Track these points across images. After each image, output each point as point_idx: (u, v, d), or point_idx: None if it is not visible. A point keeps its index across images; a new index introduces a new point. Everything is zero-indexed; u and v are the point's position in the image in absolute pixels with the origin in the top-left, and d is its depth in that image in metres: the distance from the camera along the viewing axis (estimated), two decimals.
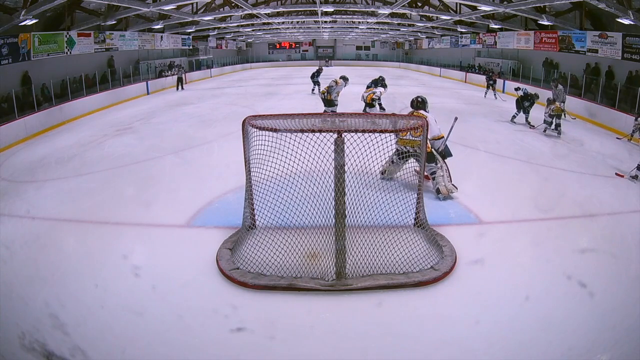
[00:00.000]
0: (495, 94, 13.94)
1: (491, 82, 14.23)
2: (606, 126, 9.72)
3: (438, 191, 4.91)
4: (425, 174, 5.23)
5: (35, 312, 2.99)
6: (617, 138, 8.71)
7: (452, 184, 4.96)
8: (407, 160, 4.84)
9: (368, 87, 10.51)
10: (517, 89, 10.25)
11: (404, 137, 4.89)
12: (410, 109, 5.39)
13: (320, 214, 3.48)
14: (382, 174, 5.05)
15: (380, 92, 9.92)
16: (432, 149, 4.93)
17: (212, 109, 11.99)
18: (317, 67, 14.80)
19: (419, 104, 5.32)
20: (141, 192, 5.54)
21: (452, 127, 5.09)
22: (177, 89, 17.09)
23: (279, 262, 3.42)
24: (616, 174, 6.07)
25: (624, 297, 3.14)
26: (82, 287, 3.30)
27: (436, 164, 4.94)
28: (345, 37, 32.26)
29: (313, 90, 14.27)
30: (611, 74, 11.55)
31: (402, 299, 3.16)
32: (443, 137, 5.09)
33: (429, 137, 4.55)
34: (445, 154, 5.11)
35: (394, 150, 4.86)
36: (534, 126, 9.20)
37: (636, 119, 8.17)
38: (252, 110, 11.34)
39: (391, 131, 3.64)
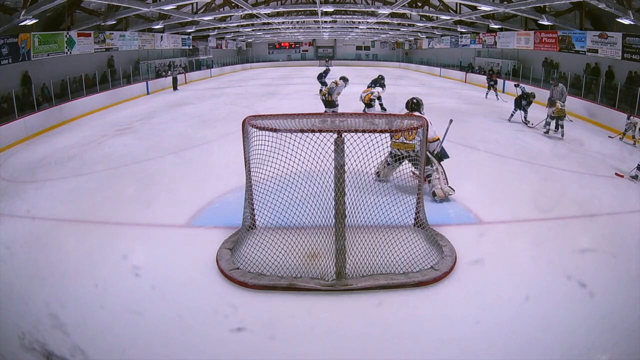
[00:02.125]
0: (497, 95, 13.92)
1: (492, 82, 14.21)
2: (606, 126, 9.72)
3: (434, 194, 4.85)
4: (417, 172, 5.20)
5: (35, 312, 2.99)
6: (610, 137, 8.73)
7: (449, 186, 4.91)
8: (401, 163, 4.75)
9: (368, 87, 10.51)
10: (516, 85, 10.27)
11: (397, 140, 4.81)
12: (406, 111, 5.34)
13: (320, 214, 3.48)
14: (377, 175, 4.95)
15: (379, 92, 9.86)
16: (428, 152, 4.84)
17: (212, 109, 11.99)
18: (325, 68, 14.85)
19: (414, 105, 5.27)
20: (141, 192, 5.55)
21: (447, 129, 5.07)
22: (174, 89, 17.14)
23: (279, 262, 3.42)
24: (616, 174, 6.08)
25: (624, 297, 3.14)
26: (82, 287, 3.30)
27: (431, 167, 4.89)
28: (345, 37, 32.26)
29: (321, 90, 14.33)
30: (611, 74, 11.55)
31: (402, 299, 3.15)
32: (439, 139, 5.04)
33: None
34: (442, 156, 5.07)
35: (388, 152, 4.81)
36: (527, 122, 9.24)
37: (628, 117, 8.21)
38: (252, 110, 11.35)
39: (391, 131, 3.65)
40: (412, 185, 4.45)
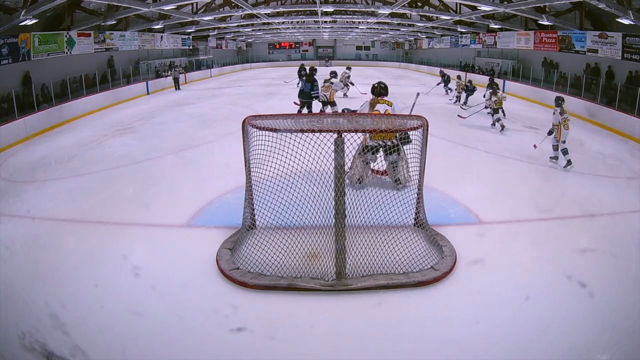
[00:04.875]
0: (447, 91, 14.19)
1: (444, 78, 14.40)
2: (606, 126, 9.73)
3: (398, 181, 4.84)
4: (380, 170, 5.23)
5: (35, 312, 2.99)
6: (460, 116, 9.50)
7: (409, 174, 4.89)
8: (377, 153, 4.77)
9: (306, 81, 8.98)
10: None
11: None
12: (372, 96, 5.29)
13: (320, 214, 3.48)
14: (359, 181, 4.88)
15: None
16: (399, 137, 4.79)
17: (212, 109, 11.99)
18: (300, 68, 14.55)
19: (381, 89, 5.25)
20: (141, 192, 5.55)
21: (414, 103, 5.08)
22: (176, 88, 17.17)
23: (279, 262, 3.42)
24: (534, 145, 6.67)
25: (624, 297, 3.14)
26: (82, 287, 3.30)
27: (398, 155, 4.88)
28: (345, 37, 32.26)
29: (298, 84, 14.46)
30: (611, 74, 11.55)
31: (402, 299, 3.16)
32: None
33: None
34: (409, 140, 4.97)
35: (359, 151, 4.78)
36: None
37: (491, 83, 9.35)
38: (252, 110, 11.34)
39: (392, 131, 3.65)
40: (412, 184, 4.43)
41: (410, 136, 4.74)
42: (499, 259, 3.70)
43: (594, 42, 11.67)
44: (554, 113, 6.39)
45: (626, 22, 9.87)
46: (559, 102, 6.38)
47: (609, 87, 10.86)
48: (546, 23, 12.95)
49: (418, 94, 5.40)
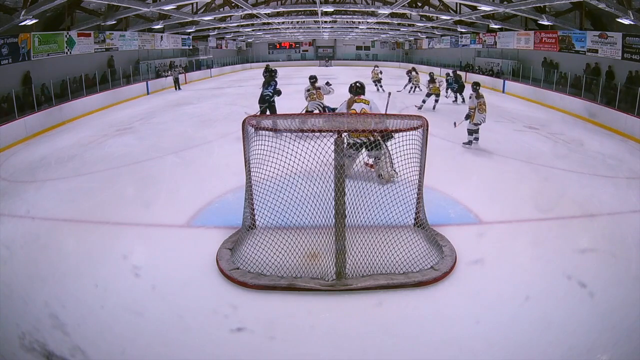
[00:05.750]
0: (410, 89, 14.68)
1: (409, 77, 14.97)
2: (606, 126, 9.73)
3: (380, 176, 4.88)
4: (370, 162, 5.27)
5: (35, 312, 2.99)
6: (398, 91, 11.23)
7: (393, 170, 4.89)
8: (360, 151, 4.81)
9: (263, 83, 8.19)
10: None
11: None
12: (350, 95, 5.27)
13: (320, 214, 3.47)
14: None
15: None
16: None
17: (212, 109, 12.00)
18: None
19: (358, 89, 5.26)
20: (141, 192, 5.55)
21: (387, 103, 5.14)
22: (176, 88, 17.17)
23: (279, 262, 3.42)
24: (454, 123, 7.28)
25: (624, 297, 3.14)
26: (82, 287, 3.30)
27: (380, 150, 4.88)
28: (345, 37, 32.25)
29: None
30: (611, 74, 11.54)
31: (402, 299, 3.16)
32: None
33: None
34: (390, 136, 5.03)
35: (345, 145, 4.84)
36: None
37: (411, 71, 12.04)
38: (252, 110, 11.33)
39: (391, 131, 3.65)
40: (412, 184, 4.44)
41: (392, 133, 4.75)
42: (499, 259, 3.70)
43: (594, 42, 11.66)
44: (470, 97, 6.95)
45: (626, 22, 9.86)
46: (475, 87, 6.99)
47: (609, 87, 10.86)
48: (546, 23, 12.94)
49: (390, 93, 5.47)
